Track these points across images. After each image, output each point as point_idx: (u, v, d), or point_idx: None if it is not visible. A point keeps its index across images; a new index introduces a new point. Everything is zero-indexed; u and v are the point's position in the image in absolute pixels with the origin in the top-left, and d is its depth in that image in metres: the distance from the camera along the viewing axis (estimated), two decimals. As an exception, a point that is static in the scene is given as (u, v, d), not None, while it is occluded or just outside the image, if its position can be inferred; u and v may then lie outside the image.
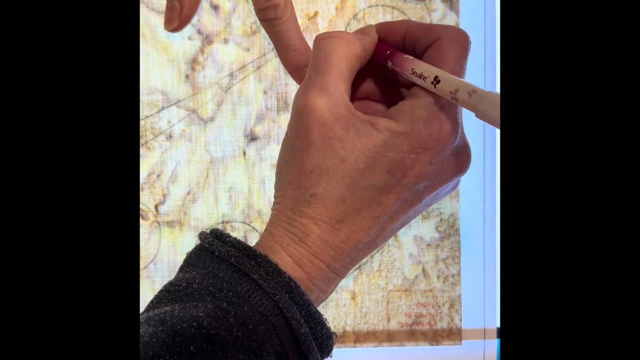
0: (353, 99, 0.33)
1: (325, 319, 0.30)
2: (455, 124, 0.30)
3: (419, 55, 0.32)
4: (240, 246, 0.29)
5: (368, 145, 0.29)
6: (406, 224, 0.32)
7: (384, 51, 0.32)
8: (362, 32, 0.33)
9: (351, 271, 0.62)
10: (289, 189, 0.31)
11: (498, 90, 0.28)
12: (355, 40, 0.31)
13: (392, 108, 0.31)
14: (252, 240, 0.62)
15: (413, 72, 0.30)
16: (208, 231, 0.31)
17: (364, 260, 0.62)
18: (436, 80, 0.29)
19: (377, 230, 0.30)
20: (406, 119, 0.29)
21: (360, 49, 0.31)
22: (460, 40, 0.31)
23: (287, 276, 0.29)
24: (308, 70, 0.31)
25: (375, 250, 0.56)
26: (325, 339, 0.30)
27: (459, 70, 0.30)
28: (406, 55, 0.31)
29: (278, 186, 0.32)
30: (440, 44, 0.31)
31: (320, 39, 0.31)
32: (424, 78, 0.30)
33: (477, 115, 0.28)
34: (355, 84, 0.33)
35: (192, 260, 0.30)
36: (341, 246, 0.30)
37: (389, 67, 0.32)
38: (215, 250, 0.29)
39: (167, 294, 0.29)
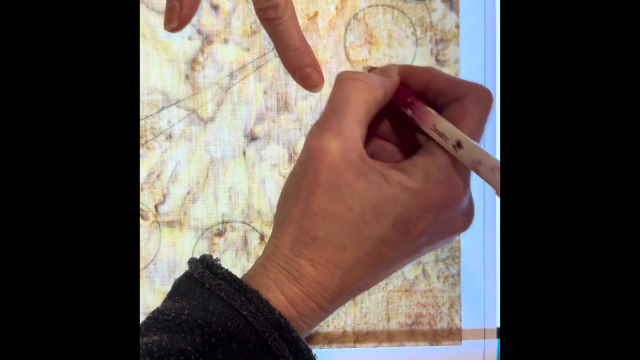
0: (366, 135, 0.32)
1: (315, 355, 0.30)
2: (467, 186, 0.30)
3: (439, 108, 0.31)
4: (231, 279, 0.29)
5: (377, 196, 0.29)
6: (398, 270, 0.32)
7: (405, 96, 0.32)
8: (384, 72, 0.33)
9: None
10: (289, 226, 0.30)
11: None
12: (377, 85, 0.31)
13: (406, 162, 0.30)
14: (252, 241, 0.62)
15: (434, 129, 0.30)
16: (198, 258, 0.31)
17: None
18: (458, 145, 0.29)
19: (371, 277, 0.30)
20: (419, 175, 0.29)
21: (381, 94, 0.31)
22: (484, 101, 0.30)
23: (277, 313, 0.28)
24: (325, 109, 0.30)
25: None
26: None
27: (478, 132, 0.30)
28: (428, 109, 0.31)
29: (279, 220, 0.31)
30: (464, 103, 0.30)
31: (342, 79, 0.31)
32: (445, 138, 0.29)
33: (497, 193, 0.28)
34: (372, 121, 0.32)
35: (182, 289, 0.30)
36: (334, 289, 0.30)
37: (407, 114, 0.32)
38: (206, 283, 0.29)
39: (156, 322, 0.28)
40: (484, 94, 0.31)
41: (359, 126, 0.30)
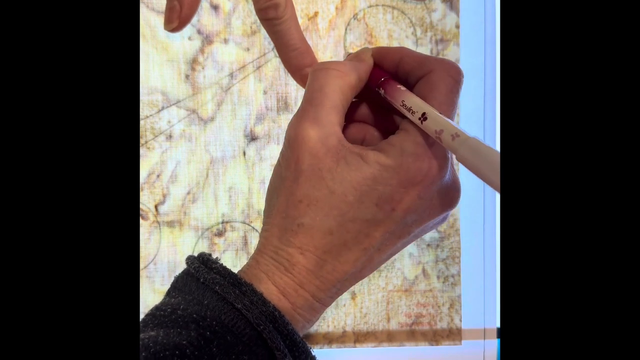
0: (349, 121, 0.33)
1: (310, 348, 0.30)
2: (445, 159, 0.30)
3: (411, 85, 0.32)
4: (225, 273, 0.29)
5: (357, 177, 0.29)
6: (394, 255, 0.32)
7: (378, 77, 0.32)
8: (358, 57, 0.33)
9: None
10: (277, 217, 0.30)
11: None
12: (350, 71, 0.31)
13: (383, 141, 0.31)
14: (252, 241, 0.62)
15: (403, 105, 0.30)
16: (196, 255, 0.31)
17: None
18: (423, 117, 0.29)
19: (364, 262, 0.30)
20: (395, 153, 0.29)
21: (355, 79, 0.31)
22: (452, 75, 0.31)
23: (271, 306, 0.28)
24: (302, 101, 0.31)
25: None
26: None
27: (449, 105, 0.30)
28: (398, 86, 0.31)
29: (267, 213, 0.32)
30: (431, 77, 0.31)
31: (315, 70, 0.31)
32: (412, 112, 0.30)
33: (457, 159, 0.28)
34: (352, 107, 0.33)
35: (179, 285, 0.30)
36: (327, 277, 0.30)
37: (381, 94, 0.32)
38: (201, 277, 0.29)
39: (153, 318, 0.29)
40: (452, 68, 0.31)
41: (335, 112, 0.30)
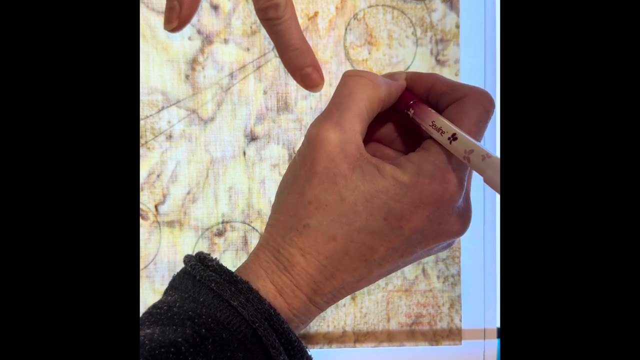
0: (366, 140, 0.33)
1: (306, 347, 0.30)
2: (461, 185, 0.30)
3: (441, 111, 0.32)
4: (222, 271, 0.29)
5: (370, 189, 0.29)
6: (394, 271, 0.32)
7: (408, 100, 0.33)
8: (391, 76, 0.33)
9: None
10: (284, 214, 0.30)
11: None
12: (381, 84, 0.31)
13: (402, 157, 0.31)
14: (252, 241, 0.62)
15: (432, 125, 0.30)
16: (194, 254, 0.31)
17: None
18: (453, 138, 0.29)
19: (363, 273, 0.30)
20: (412, 170, 0.29)
21: (385, 93, 0.31)
22: (483, 103, 0.31)
23: (267, 303, 0.28)
24: (329, 103, 0.31)
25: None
26: None
27: (477, 133, 0.30)
28: (429, 108, 0.32)
29: (275, 208, 0.32)
30: (463, 103, 0.31)
31: (347, 76, 0.31)
32: (441, 132, 0.30)
33: (485, 180, 0.28)
34: (373, 125, 0.33)
35: (176, 284, 0.31)
36: (324, 282, 0.30)
37: (409, 115, 0.32)
38: (197, 275, 0.29)
39: (150, 316, 0.29)
40: (484, 98, 0.31)
41: (359, 120, 0.30)
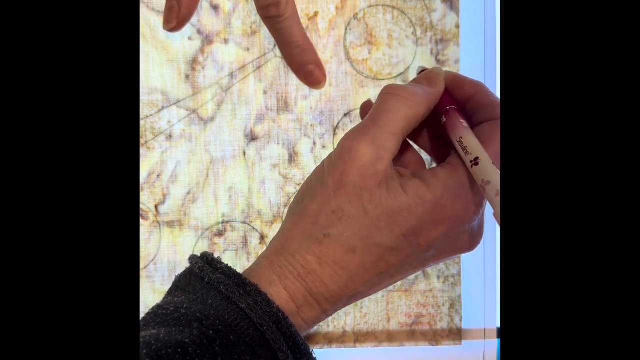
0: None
1: (312, 351, 0.30)
2: (480, 206, 0.31)
3: (475, 124, 0.32)
4: (230, 273, 0.29)
5: (393, 205, 0.29)
6: (401, 280, 0.32)
7: (445, 104, 0.32)
8: (430, 80, 0.33)
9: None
10: (304, 220, 0.30)
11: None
12: (421, 103, 0.31)
13: (427, 172, 0.31)
14: (252, 241, 0.62)
15: (460, 141, 0.30)
16: (198, 255, 0.31)
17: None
18: (475, 162, 0.29)
19: (374, 284, 0.31)
20: (438, 188, 0.30)
21: (423, 111, 0.31)
22: None
23: (275, 307, 0.28)
24: (367, 117, 0.31)
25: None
26: None
27: None
28: (461, 120, 0.31)
29: (295, 212, 0.31)
30: (497, 124, 0.31)
31: (387, 93, 0.31)
32: (466, 152, 0.30)
33: (494, 215, 0.28)
34: None
35: (182, 285, 0.30)
36: (337, 292, 0.30)
37: (442, 121, 0.32)
38: (206, 277, 0.29)
39: (155, 317, 0.28)
40: None
41: (394, 139, 0.30)
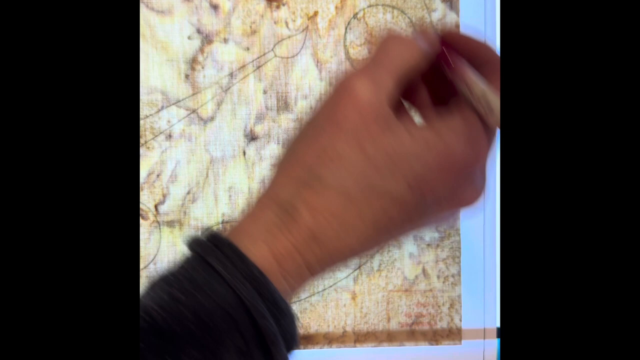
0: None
1: (294, 311, 0.27)
2: (489, 150, 0.29)
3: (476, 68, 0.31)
4: (209, 234, 0.27)
5: (397, 149, 0.27)
6: (387, 243, 0.30)
7: (445, 48, 0.31)
8: (424, 32, 0.31)
9: (351, 271, 0.62)
10: (296, 167, 0.28)
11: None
12: (422, 49, 0.30)
13: (436, 119, 0.29)
14: (252, 240, 0.62)
15: (468, 83, 0.30)
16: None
17: (364, 260, 0.62)
18: (484, 101, 0.29)
19: (368, 239, 0.28)
20: (447, 132, 0.28)
21: (423, 59, 0.30)
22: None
23: (251, 263, 0.26)
24: (366, 60, 0.29)
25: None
26: (293, 333, 0.27)
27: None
28: (462, 60, 0.31)
29: (285, 161, 0.29)
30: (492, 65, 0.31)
31: (390, 38, 0.29)
32: (474, 95, 0.29)
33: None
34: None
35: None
36: (326, 243, 0.27)
37: (442, 65, 0.31)
38: (185, 242, 0.28)
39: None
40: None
41: (393, 80, 0.28)
